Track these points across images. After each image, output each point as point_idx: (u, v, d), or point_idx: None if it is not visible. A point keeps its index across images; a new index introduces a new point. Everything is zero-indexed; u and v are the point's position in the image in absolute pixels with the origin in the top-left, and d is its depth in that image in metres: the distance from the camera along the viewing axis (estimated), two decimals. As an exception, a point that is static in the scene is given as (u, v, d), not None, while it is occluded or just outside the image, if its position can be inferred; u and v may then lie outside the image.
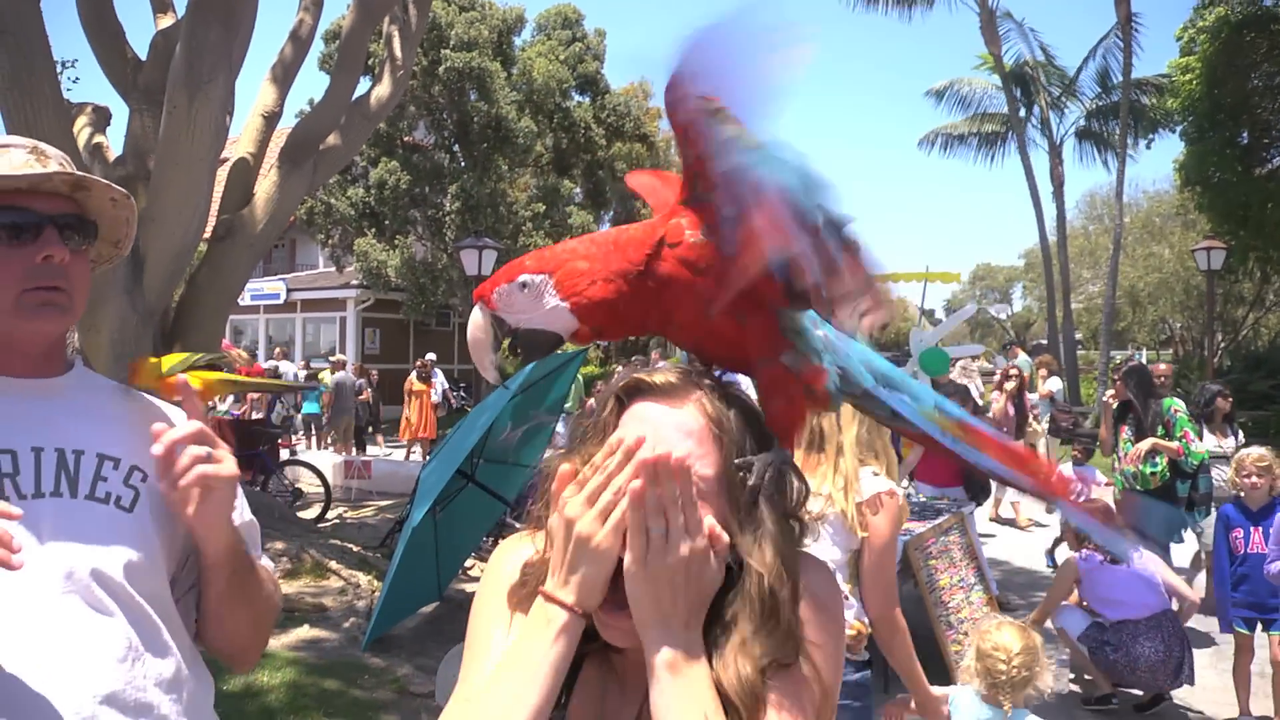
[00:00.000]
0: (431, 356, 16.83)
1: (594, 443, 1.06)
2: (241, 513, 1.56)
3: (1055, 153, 24.58)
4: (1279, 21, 17.36)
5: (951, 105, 26.75)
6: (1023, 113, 24.07)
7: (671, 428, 1.00)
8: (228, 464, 1.36)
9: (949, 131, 27.46)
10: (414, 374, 16.02)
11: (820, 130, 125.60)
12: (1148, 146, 25.18)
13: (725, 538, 0.98)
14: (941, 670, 5.37)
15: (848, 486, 2.66)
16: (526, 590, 1.04)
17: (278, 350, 20.44)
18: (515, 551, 1.12)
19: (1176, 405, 6.67)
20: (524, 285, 1.12)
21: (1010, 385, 9.85)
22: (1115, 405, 7.01)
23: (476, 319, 1.15)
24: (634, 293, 1.12)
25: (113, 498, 1.36)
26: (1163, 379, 7.54)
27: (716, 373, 1.13)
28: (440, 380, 16.62)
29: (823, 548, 2.62)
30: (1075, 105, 25.59)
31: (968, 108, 26.77)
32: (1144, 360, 10.51)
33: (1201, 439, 6.71)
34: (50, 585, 1.26)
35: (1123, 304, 31.57)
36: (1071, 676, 5.69)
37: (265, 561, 1.62)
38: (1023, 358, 15.99)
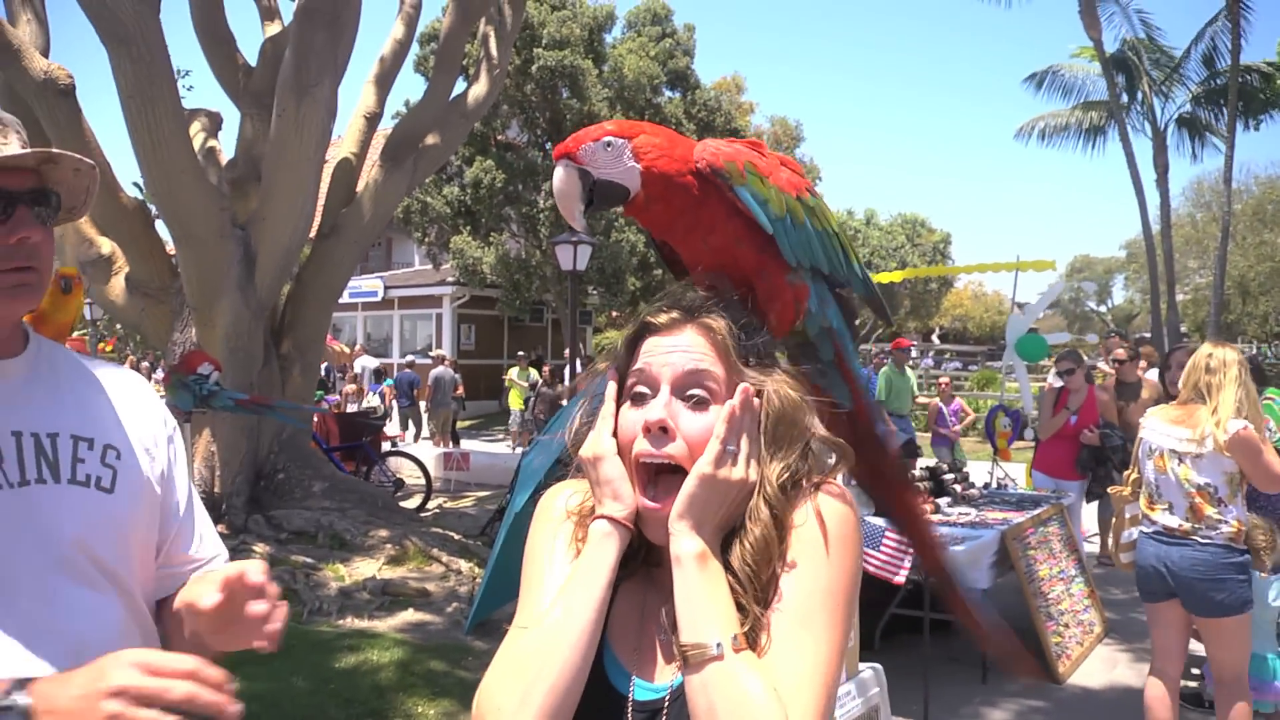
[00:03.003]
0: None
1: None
2: (213, 547, 1.51)
3: (1159, 139, 23.69)
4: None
5: (1052, 92, 25.91)
6: (1124, 99, 23.21)
7: (681, 351, 1.14)
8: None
9: (1049, 120, 26.65)
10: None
11: (914, 124, 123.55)
12: (1255, 129, 23.98)
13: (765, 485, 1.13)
14: (1041, 660, 5.28)
15: (1220, 427, 3.70)
16: (577, 526, 1.18)
17: (358, 347, 21.33)
18: (558, 498, 1.24)
19: (1272, 393, 6.42)
20: (608, 144, 1.28)
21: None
22: None
23: (562, 174, 1.30)
24: (683, 186, 1.31)
25: (93, 479, 1.32)
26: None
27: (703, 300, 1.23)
28: None
29: (1202, 472, 3.77)
30: (1180, 90, 24.58)
31: (1068, 94, 25.92)
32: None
33: None
34: (47, 573, 1.24)
35: (1232, 295, 30.26)
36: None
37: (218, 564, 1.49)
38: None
